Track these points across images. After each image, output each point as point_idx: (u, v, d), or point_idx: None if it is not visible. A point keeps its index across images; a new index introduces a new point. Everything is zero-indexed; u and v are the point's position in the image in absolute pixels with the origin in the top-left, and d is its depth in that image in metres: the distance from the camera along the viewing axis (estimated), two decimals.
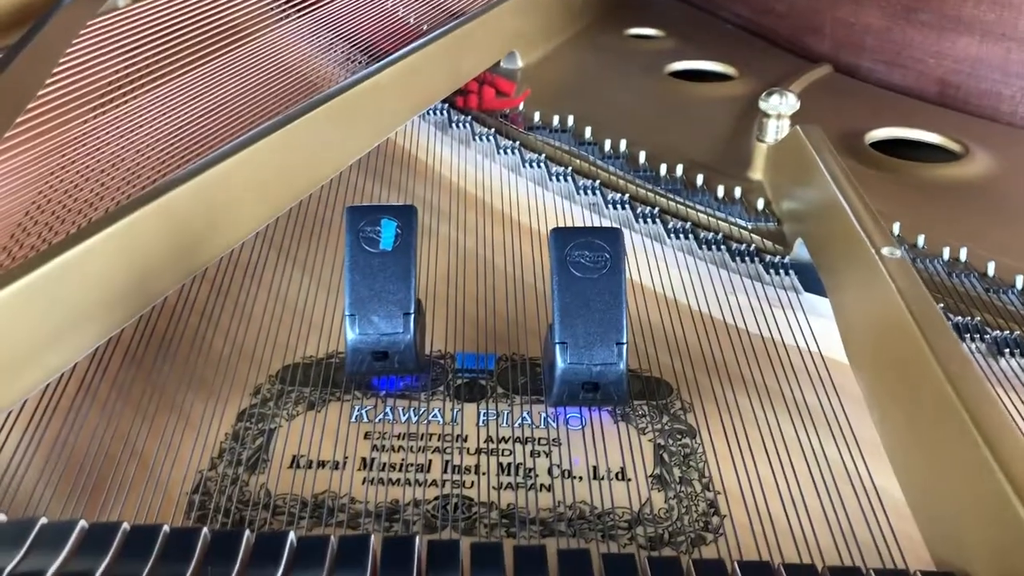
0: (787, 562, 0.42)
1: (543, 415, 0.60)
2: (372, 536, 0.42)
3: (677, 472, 0.56)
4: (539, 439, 0.59)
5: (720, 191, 0.81)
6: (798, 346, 0.64)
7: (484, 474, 0.56)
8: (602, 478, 0.56)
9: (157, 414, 0.59)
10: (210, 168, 0.65)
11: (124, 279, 0.60)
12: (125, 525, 0.42)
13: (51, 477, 0.54)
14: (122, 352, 0.63)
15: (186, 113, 0.86)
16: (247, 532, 0.42)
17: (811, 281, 0.69)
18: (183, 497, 0.54)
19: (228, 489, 0.54)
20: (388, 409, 0.61)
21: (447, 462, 0.57)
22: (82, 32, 0.88)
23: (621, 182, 0.84)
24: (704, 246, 0.75)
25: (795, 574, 0.41)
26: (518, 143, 0.89)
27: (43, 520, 0.42)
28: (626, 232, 0.60)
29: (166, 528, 0.42)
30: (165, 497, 0.53)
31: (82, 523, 0.42)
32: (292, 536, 0.42)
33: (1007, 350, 0.63)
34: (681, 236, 0.76)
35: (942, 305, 0.67)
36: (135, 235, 0.60)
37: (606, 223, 0.80)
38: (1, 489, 0.52)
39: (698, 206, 0.80)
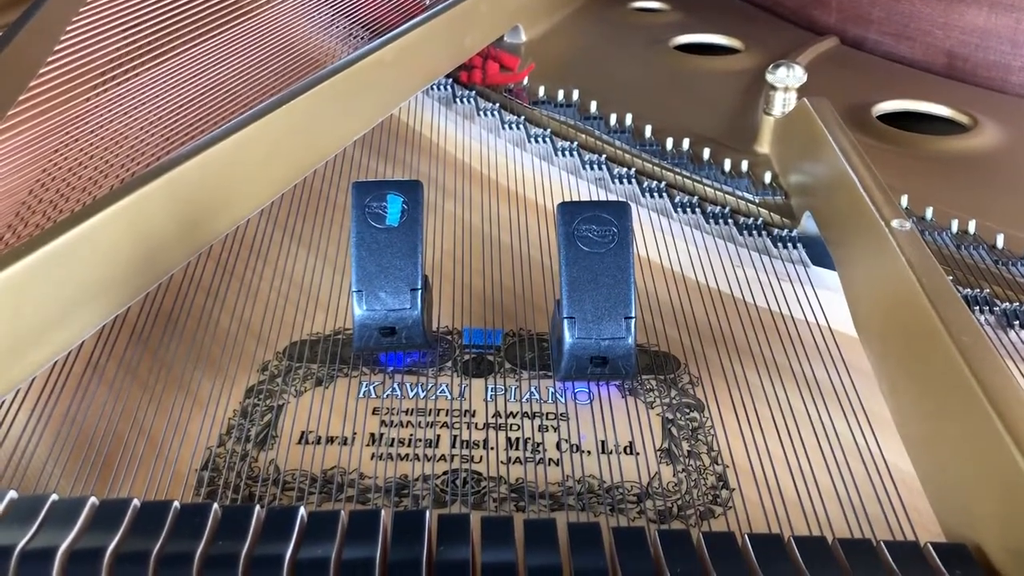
0: (797, 535, 0.42)
1: (551, 390, 0.60)
2: (383, 511, 0.42)
3: (686, 446, 0.56)
4: (547, 414, 0.58)
5: (727, 165, 0.81)
6: (806, 319, 0.64)
7: (492, 449, 0.56)
8: (610, 452, 0.56)
9: (165, 392, 0.59)
10: (214, 145, 0.65)
11: (130, 256, 0.59)
12: (136, 501, 0.42)
13: (60, 455, 0.54)
14: (129, 330, 0.63)
15: (188, 90, 0.86)
16: (257, 507, 0.42)
17: (819, 254, 0.69)
18: (192, 474, 0.54)
19: (237, 465, 0.54)
20: (396, 385, 0.61)
21: (455, 437, 0.57)
22: (83, 9, 0.87)
23: (627, 156, 0.83)
24: (711, 220, 0.75)
25: (805, 546, 0.41)
26: (523, 118, 0.88)
27: (54, 496, 0.42)
28: (632, 207, 0.60)
29: (176, 504, 0.42)
30: (174, 474, 0.53)
31: (92, 499, 0.42)
32: (302, 511, 0.42)
33: (1016, 322, 0.62)
34: (688, 210, 0.76)
35: (951, 278, 0.66)
36: (141, 212, 0.60)
37: (612, 198, 0.79)
38: (11, 467, 0.52)
39: (705, 180, 0.79)
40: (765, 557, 0.40)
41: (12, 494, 0.42)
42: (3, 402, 0.54)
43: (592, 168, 0.82)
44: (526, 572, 0.39)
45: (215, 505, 0.42)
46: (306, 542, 0.40)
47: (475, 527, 0.41)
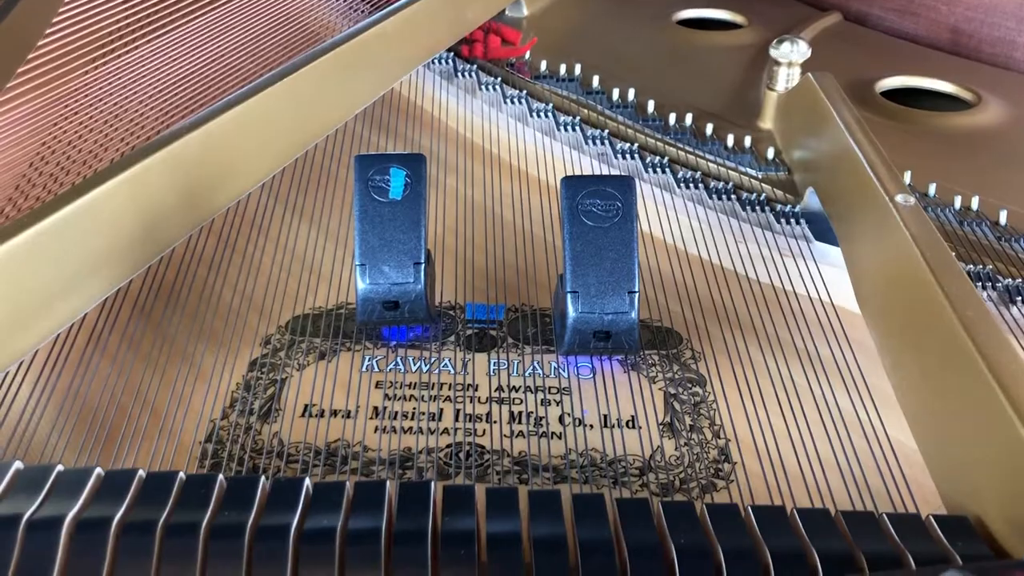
0: (799, 507, 0.42)
1: (553, 364, 0.60)
2: (388, 482, 0.42)
3: (688, 420, 0.57)
4: (550, 388, 0.59)
5: (730, 140, 0.80)
6: (809, 295, 0.64)
7: (495, 422, 0.56)
8: (613, 426, 0.56)
9: (168, 365, 0.59)
10: (215, 118, 0.65)
11: (132, 229, 0.59)
12: (141, 472, 0.42)
13: (64, 427, 0.54)
14: (131, 304, 0.63)
15: (188, 63, 0.85)
16: (263, 478, 0.42)
17: (822, 230, 0.69)
18: (196, 446, 0.54)
19: (241, 438, 0.54)
20: (399, 359, 0.61)
21: (458, 411, 0.57)
22: None
23: (630, 131, 0.83)
24: (714, 195, 0.74)
25: (807, 518, 0.41)
26: (525, 92, 0.88)
27: (60, 467, 0.42)
28: (635, 182, 0.59)
29: (182, 475, 0.42)
30: (178, 446, 0.54)
31: (98, 470, 0.42)
32: (308, 482, 0.42)
33: (1019, 298, 0.62)
34: (691, 186, 0.76)
35: (953, 254, 0.66)
36: (143, 184, 0.59)
37: (615, 173, 0.79)
38: (15, 439, 0.52)
39: (708, 155, 0.79)
40: (768, 528, 0.40)
41: (18, 464, 0.43)
42: (6, 374, 0.54)
43: (594, 143, 0.81)
44: (531, 542, 0.39)
45: (220, 476, 0.42)
46: (312, 513, 0.40)
47: (479, 499, 0.42)
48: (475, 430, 0.56)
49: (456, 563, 0.39)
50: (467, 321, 0.64)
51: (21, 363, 0.55)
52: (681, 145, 0.81)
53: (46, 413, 0.54)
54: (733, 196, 0.74)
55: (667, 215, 0.73)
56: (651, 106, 0.85)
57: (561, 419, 0.56)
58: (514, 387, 0.59)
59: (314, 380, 0.59)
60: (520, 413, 0.57)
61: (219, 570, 0.38)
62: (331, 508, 0.41)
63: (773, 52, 0.81)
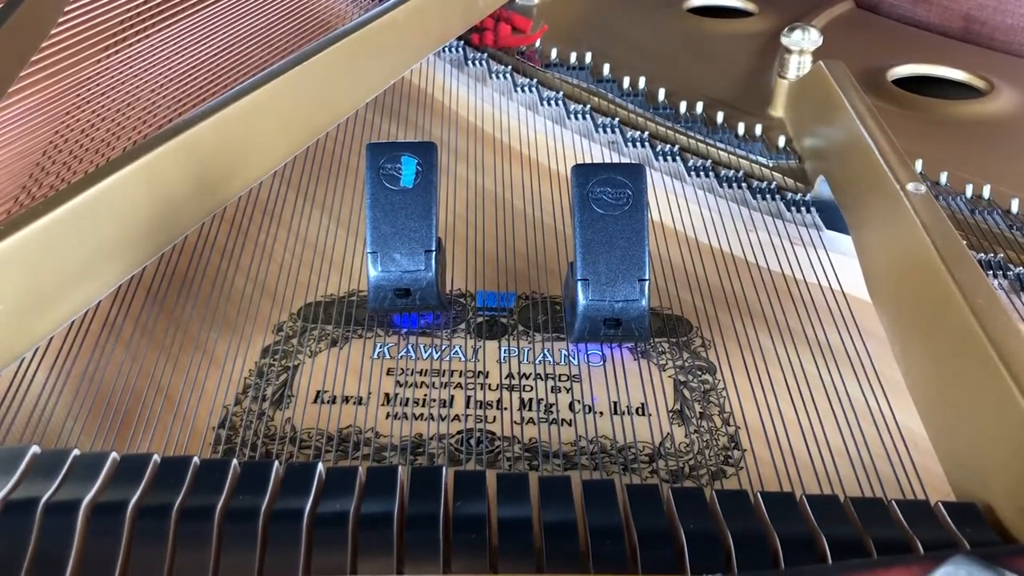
0: (808, 494, 0.42)
1: (563, 352, 0.61)
2: (400, 467, 0.42)
3: (697, 407, 0.57)
4: (560, 375, 0.59)
5: (741, 128, 0.80)
6: (819, 283, 0.64)
7: (506, 409, 0.56)
8: (623, 413, 0.56)
9: (181, 351, 0.59)
10: (228, 105, 0.65)
11: (146, 216, 0.60)
12: (156, 456, 0.43)
13: (79, 412, 0.55)
14: (144, 291, 0.63)
15: (200, 51, 0.85)
16: (276, 463, 0.43)
17: (833, 218, 0.69)
18: (209, 432, 0.54)
19: (254, 424, 0.55)
20: (410, 346, 0.61)
21: (469, 398, 0.57)
22: None
23: (640, 120, 0.83)
24: (724, 184, 0.74)
25: (816, 504, 0.42)
26: (535, 81, 0.88)
27: (76, 451, 0.43)
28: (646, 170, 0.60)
29: (196, 459, 0.43)
30: (192, 432, 0.54)
31: (114, 454, 0.43)
32: (321, 467, 0.42)
33: None
34: (701, 174, 0.76)
35: (964, 242, 0.66)
36: (156, 172, 0.60)
37: (625, 161, 0.79)
38: (32, 423, 0.52)
39: (718, 144, 0.79)
40: (777, 514, 0.41)
41: (35, 448, 0.43)
42: (23, 360, 0.55)
43: (605, 131, 0.81)
44: (542, 527, 0.40)
45: (234, 461, 0.43)
46: (325, 497, 0.41)
47: (490, 484, 0.42)
48: (486, 417, 0.56)
49: (467, 548, 0.39)
50: (478, 309, 0.65)
51: (37, 349, 0.56)
52: (692, 133, 0.81)
53: (62, 399, 0.55)
54: (744, 184, 0.74)
55: (677, 203, 0.73)
56: (662, 94, 0.85)
57: (571, 406, 0.57)
58: (524, 374, 0.59)
59: (326, 367, 0.59)
60: (530, 400, 0.57)
61: (233, 553, 0.39)
62: (344, 493, 0.41)
63: (784, 40, 0.81)
